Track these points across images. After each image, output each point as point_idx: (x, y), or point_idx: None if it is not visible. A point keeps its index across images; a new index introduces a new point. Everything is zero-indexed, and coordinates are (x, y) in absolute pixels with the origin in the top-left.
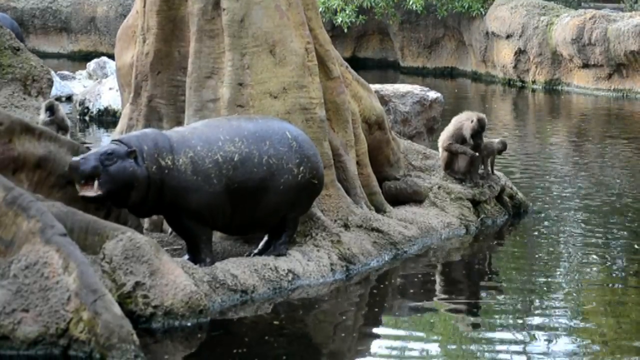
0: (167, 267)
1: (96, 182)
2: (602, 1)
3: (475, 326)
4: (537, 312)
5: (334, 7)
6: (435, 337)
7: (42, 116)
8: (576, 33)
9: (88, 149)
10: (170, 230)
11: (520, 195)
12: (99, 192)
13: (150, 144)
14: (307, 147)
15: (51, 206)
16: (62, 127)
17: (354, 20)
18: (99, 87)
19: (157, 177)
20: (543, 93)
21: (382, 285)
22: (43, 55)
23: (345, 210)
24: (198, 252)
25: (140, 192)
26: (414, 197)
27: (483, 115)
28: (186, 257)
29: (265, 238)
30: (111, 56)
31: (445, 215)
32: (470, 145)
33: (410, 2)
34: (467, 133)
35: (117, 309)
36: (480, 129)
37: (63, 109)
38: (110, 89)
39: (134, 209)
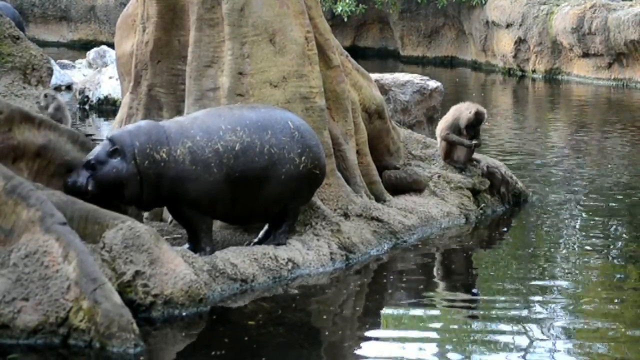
0: (167, 256)
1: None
2: None
3: (475, 315)
4: (536, 301)
5: None
6: (435, 326)
7: (50, 110)
8: (576, 22)
9: (92, 141)
10: (170, 219)
11: (520, 184)
12: (90, 189)
13: (143, 139)
14: (309, 137)
15: (51, 195)
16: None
17: (353, 9)
18: (99, 76)
19: (151, 172)
20: (543, 82)
21: (381, 275)
22: (43, 44)
23: (345, 200)
24: (198, 241)
25: (132, 189)
26: (413, 187)
27: (482, 109)
28: (186, 246)
29: (266, 227)
30: (111, 45)
31: (445, 205)
32: (465, 136)
33: None
34: (462, 123)
35: (117, 298)
36: (475, 122)
37: (64, 101)
38: (110, 77)
39: (135, 205)
